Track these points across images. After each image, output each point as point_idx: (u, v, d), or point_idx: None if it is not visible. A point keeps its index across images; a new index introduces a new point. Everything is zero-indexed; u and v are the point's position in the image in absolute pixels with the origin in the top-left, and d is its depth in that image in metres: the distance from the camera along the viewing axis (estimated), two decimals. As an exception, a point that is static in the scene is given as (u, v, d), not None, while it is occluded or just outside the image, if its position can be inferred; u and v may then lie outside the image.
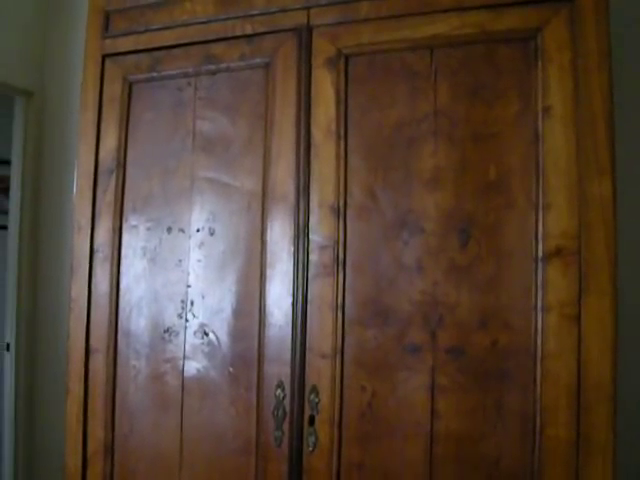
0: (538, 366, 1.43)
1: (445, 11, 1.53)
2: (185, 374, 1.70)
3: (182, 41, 1.76)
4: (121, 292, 1.79)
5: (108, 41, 1.85)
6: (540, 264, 1.44)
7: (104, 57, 1.85)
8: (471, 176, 1.50)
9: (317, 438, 1.56)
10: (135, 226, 1.78)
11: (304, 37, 1.64)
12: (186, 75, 1.77)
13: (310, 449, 1.57)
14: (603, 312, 1.39)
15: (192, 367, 1.70)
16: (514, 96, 1.49)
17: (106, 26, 1.87)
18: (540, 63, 1.46)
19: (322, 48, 1.62)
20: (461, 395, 1.48)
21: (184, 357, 1.71)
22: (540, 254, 1.44)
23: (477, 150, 1.50)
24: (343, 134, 1.60)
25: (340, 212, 1.58)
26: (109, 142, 1.82)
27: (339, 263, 1.58)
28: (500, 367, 1.46)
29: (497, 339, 1.46)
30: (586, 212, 1.41)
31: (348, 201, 1.59)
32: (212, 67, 1.73)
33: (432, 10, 1.54)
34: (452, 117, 1.52)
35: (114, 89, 1.83)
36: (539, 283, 1.44)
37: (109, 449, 1.76)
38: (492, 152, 1.49)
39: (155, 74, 1.79)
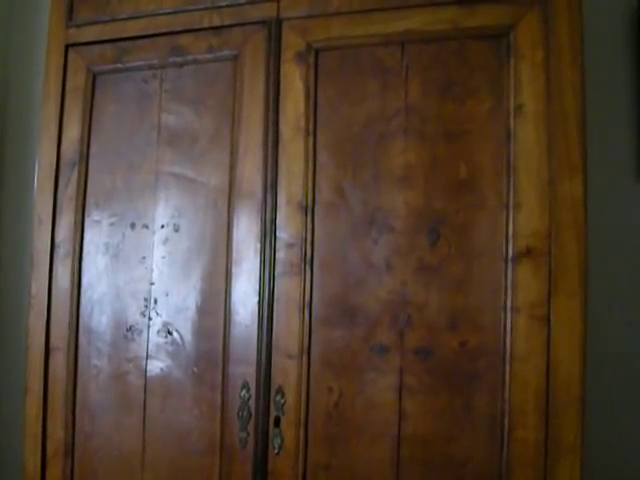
0: (507, 367, 1.41)
1: (417, 6, 1.50)
2: (148, 373, 1.66)
3: (148, 32, 1.71)
4: (83, 289, 1.73)
5: (72, 30, 1.79)
6: (510, 264, 1.42)
7: (67, 47, 1.79)
8: (441, 174, 1.48)
9: (283, 439, 1.53)
10: (98, 221, 1.73)
11: (273, 30, 1.60)
12: (152, 67, 1.71)
13: (275, 451, 1.53)
14: (572, 313, 1.37)
15: (155, 366, 1.65)
16: (486, 93, 1.47)
17: (70, 15, 1.81)
18: (512, 60, 1.44)
19: (292, 42, 1.59)
20: (429, 396, 1.46)
21: (147, 356, 1.66)
22: (510, 254, 1.42)
23: (448, 148, 1.48)
24: (312, 130, 1.56)
25: (308, 209, 1.55)
26: (72, 134, 1.76)
27: (306, 261, 1.55)
28: (469, 368, 1.44)
29: (466, 340, 1.44)
30: (557, 212, 1.39)
31: (316, 198, 1.56)
32: (179, 59, 1.69)
33: (404, 5, 1.51)
34: (423, 114, 1.50)
35: (77, 80, 1.77)
36: (509, 283, 1.42)
37: (69, 449, 1.71)
38: (463, 150, 1.47)
39: (120, 65, 1.74)
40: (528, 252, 1.41)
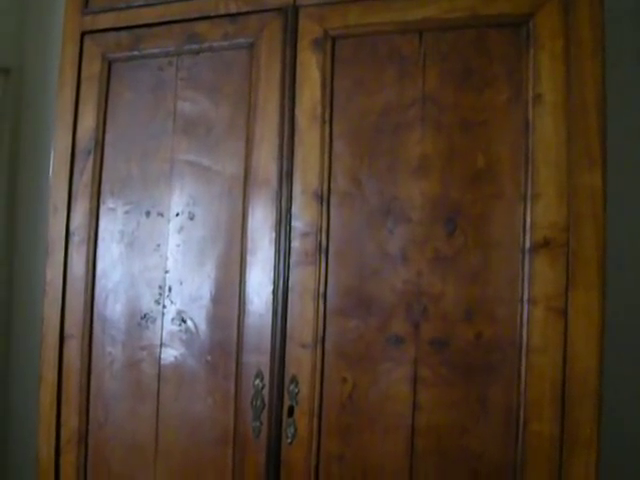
0: (523, 360, 1.40)
1: (435, -7, 1.50)
2: (162, 362, 1.66)
3: (164, 19, 1.70)
4: (97, 277, 1.73)
5: (87, 18, 1.79)
6: (527, 256, 1.40)
7: (83, 34, 1.78)
8: (459, 164, 1.46)
9: (296, 429, 1.53)
10: (113, 209, 1.73)
11: (290, 17, 1.59)
12: (168, 54, 1.71)
13: (289, 440, 1.53)
14: (590, 306, 1.36)
15: (169, 355, 1.65)
16: (504, 83, 1.45)
17: (86, 2, 1.80)
18: (532, 50, 1.42)
19: (308, 29, 1.57)
20: (444, 388, 1.45)
21: (161, 344, 1.66)
22: (528, 245, 1.40)
23: (465, 138, 1.46)
24: (328, 119, 1.55)
25: (324, 199, 1.54)
26: (87, 122, 1.76)
27: (322, 251, 1.54)
28: (484, 360, 1.43)
29: (482, 332, 1.43)
30: (575, 204, 1.37)
31: (332, 188, 1.54)
32: (194, 46, 1.68)
33: (422, -8, 1.51)
34: (440, 103, 1.48)
35: (93, 68, 1.76)
36: (526, 275, 1.40)
37: (83, 438, 1.72)
38: (481, 140, 1.45)
39: (136, 53, 1.73)
40: (546, 244, 1.40)
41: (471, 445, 1.43)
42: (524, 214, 1.42)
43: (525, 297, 1.41)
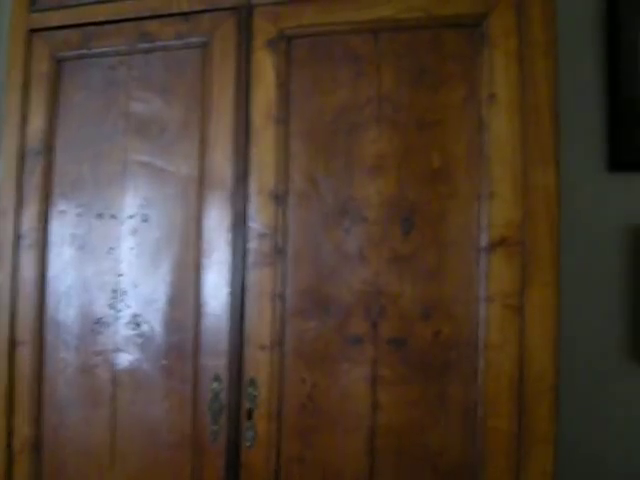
0: (481, 357, 1.41)
1: (390, -7, 1.50)
2: (117, 366, 1.62)
3: (115, 17, 1.66)
4: (49, 281, 1.69)
5: (35, 15, 1.74)
6: (483, 254, 1.41)
7: (31, 32, 1.73)
8: (415, 164, 1.47)
9: (255, 432, 1.51)
10: (63, 212, 1.69)
11: (244, 16, 1.57)
12: (119, 53, 1.67)
13: (248, 444, 1.51)
14: (546, 303, 1.37)
15: (124, 359, 1.62)
16: (459, 83, 1.46)
17: (33, -1, 1.77)
18: (486, 49, 1.43)
19: (263, 28, 1.56)
20: (403, 387, 1.45)
21: (116, 349, 1.63)
22: (484, 244, 1.41)
23: (421, 137, 1.47)
24: (284, 119, 1.54)
25: (280, 199, 1.53)
26: (36, 123, 1.71)
27: (279, 252, 1.52)
28: (443, 358, 1.43)
29: (440, 330, 1.44)
30: (530, 202, 1.39)
31: (289, 188, 1.53)
32: (147, 45, 1.64)
33: (377, -8, 1.51)
34: (396, 103, 1.48)
35: (42, 67, 1.72)
36: (482, 273, 1.41)
37: (37, 445, 1.67)
38: (436, 139, 1.46)
39: (86, 51, 1.69)
40: (502, 242, 1.41)
41: (431, 443, 1.44)
42: (480, 213, 1.43)
43: (482, 295, 1.42)
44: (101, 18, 1.68)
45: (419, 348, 1.46)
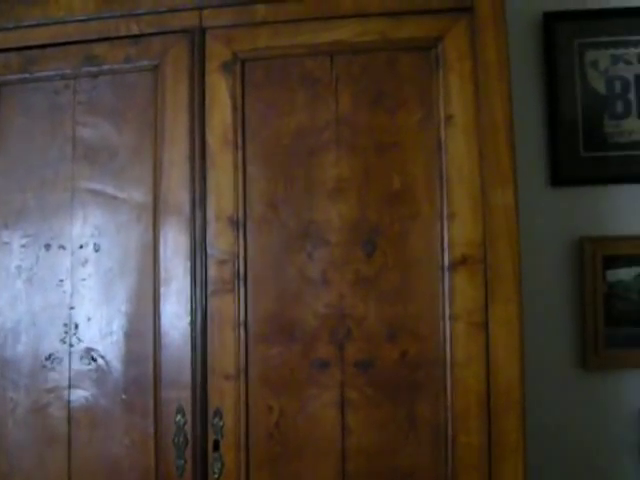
0: (448, 375, 1.43)
1: (346, 17, 1.50)
2: (71, 404, 1.55)
3: (58, 40, 1.60)
4: (-7, 317, 1.61)
5: (-29, 37, 1.66)
6: (447, 273, 1.44)
7: (-34, 55, 1.65)
8: (375, 186, 1.48)
9: (223, 464, 1.47)
10: (7, 243, 1.60)
11: (197, 39, 1.55)
12: (64, 77, 1.60)
13: (216, 476, 1.47)
14: (509, 319, 1.41)
15: (79, 396, 1.55)
16: (416, 105, 1.48)
17: (-32, 21, 1.68)
18: (441, 72, 1.47)
19: (216, 51, 1.53)
20: (372, 409, 1.45)
21: (70, 386, 1.55)
22: (446, 263, 1.44)
23: (380, 159, 1.48)
24: (241, 142, 1.52)
25: (239, 224, 1.50)
26: (-27, 150, 1.63)
27: (240, 278, 1.50)
28: (410, 378, 1.45)
29: (406, 350, 1.45)
30: (490, 221, 1.42)
31: (247, 213, 1.51)
32: (93, 69, 1.59)
33: (332, 15, 1.50)
34: (354, 126, 1.49)
35: (-21, 91, 1.64)
36: (446, 292, 1.44)
37: (-15, 493, 1.58)
38: (395, 161, 1.48)
39: (27, 75, 1.61)
40: (464, 260, 1.44)
41: (402, 464, 1.44)
42: (441, 232, 1.45)
43: (447, 313, 1.44)
44: (43, 41, 1.61)
45: (386, 369, 1.46)
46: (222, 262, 1.51)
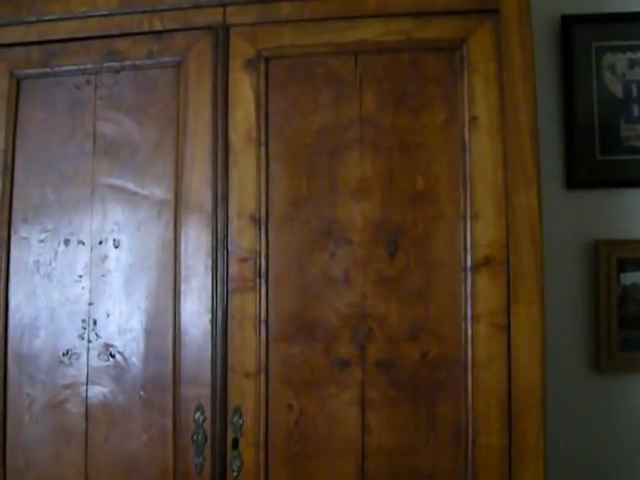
0: (469, 375, 1.43)
1: (370, 16, 1.50)
2: (89, 400, 1.54)
3: (80, 34, 1.59)
4: (11, 312, 1.59)
5: (-8, 31, 1.65)
6: (469, 274, 1.44)
7: (-14, 48, 1.64)
8: (398, 186, 1.48)
9: (242, 462, 1.47)
10: (26, 238, 1.59)
11: (220, 36, 1.54)
12: (85, 72, 1.60)
13: (235, 474, 1.47)
14: (532, 320, 1.41)
15: (97, 392, 1.54)
16: (440, 105, 1.48)
17: (-12, 13, 1.66)
18: (466, 73, 1.47)
19: (240, 49, 1.53)
20: (392, 408, 1.45)
21: (87, 382, 1.55)
22: (469, 264, 1.44)
23: (404, 159, 1.48)
24: (264, 140, 1.51)
25: (261, 222, 1.50)
26: (-6, 144, 1.62)
27: (261, 276, 1.50)
28: (431, 378, 1.45)
29: (428, 350, 1.45)
30: (513, 222, 1.43)
31: (270, 210, 1.51)
32: (115, 64, 1.59)
33: (357, 15, 1.50)
34: (378, 125, 1.49)
35: (0, 85, 1.62)
36: (468, 293, 1.44)
37: (0, 489, 1.57)
38: (419, 162, 1.48)
39: (49, 70, 1.61)
40: (486, 262, 1.44)
41: (422, 464, 1.45)
42: (464, 233, 1.46)
43: (468, 314, 1.44)
44: (64, 35, 1.60)
45: (407, 369, 1.46)
46: (244, 260, 1.51)
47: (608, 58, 1.89)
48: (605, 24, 1.89)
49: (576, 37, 1.89)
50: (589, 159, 1.88)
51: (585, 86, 1.89)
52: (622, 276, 1.86)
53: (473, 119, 1.46)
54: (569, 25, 1.90)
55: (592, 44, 1.89)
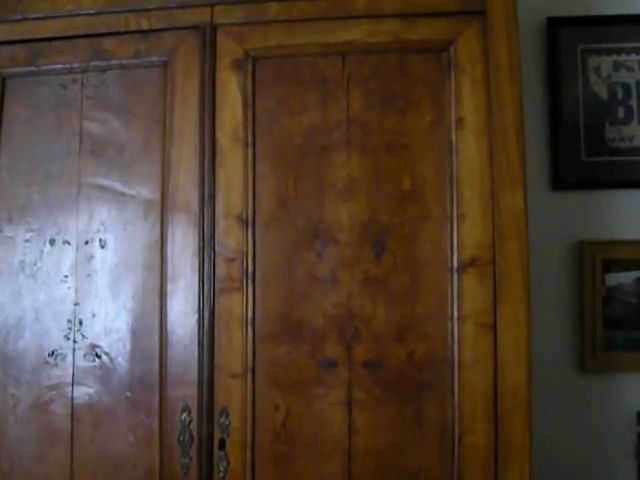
0: (455, 375, 1.44)
1: (358, 17, 1.50)
2: (75, 401, 1.53)
3: (67, 33, 1.58)
4: (-5, 312, 1.59)
5: (-23, 29, 1.64)
6: (455, 274, 1.45)
7: (-29, 47, 1.63)
8: (385, 186, 1.48)
9: (228, 463, 1.46)
10: (11, 237, 1.58)
11: (208, 36, 1.54)
12: (71, 71, 1.59)
13: (221, 475, 1.46)
14: (517, 320, 1.42)
15: (83, 393, 1.53)
16: (427, 106, 1.49)
17: (-27, 12, 1.65)
18: (453, 74, 1.48)
19: (228, 49, 1.53)
20: (379, 409, 1.46)
21: (73, 382, 1.54)
22: (455, 264, 1.45)
23: (391, 160, 1.49)
24: (251, 140, 1.51)
25: (248, 222, 1.50)
26: (-22, 143, 1.61)
27: (248, 276, 1.49)
28: (418, 378, 1.45)
29: (414, 350, 1.45)
30: (499, 223, 1.43)
31: (257, 211, 1.51)
32: (102, 63, 1.58)
33: (344, 15, 1.51)
34: (365, 126, 1.50)
35: (-16, 84, 1.62)
36: (455, 293, 1.45)
37: (-15, 492, 1.56)
38: (406, 162, 1.48)
39: (34, 68, 1.60)
40: (473, 262, 1.45)
41: (408, 464, 1.45)
42: (451, 234, 1.46)
43: (455, 314, 1.45)
44: (50, 34, 1.59)
45: (394, 369, 1.46)
46: (230, 260, 1.50)
47: (594, 60, 1.91)
48: (591, 26, 1.90)
49: (562, 39, 1.90)
50: (574, 160, 1.89)
51: (571, 88, 1.90)
52: (607, 277, 1.87)
53: (460, 120, 1.47)
54: (555, 27, 1.91)
55: (578, 46, 1.91)
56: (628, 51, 1.90)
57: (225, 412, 1.48)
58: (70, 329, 1.55)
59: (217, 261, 1.51)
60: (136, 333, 1.53)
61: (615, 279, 1.87)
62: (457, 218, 1.45)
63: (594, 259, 1.87)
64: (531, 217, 1.80)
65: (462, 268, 1.44)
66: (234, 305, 1.50)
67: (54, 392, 1.55)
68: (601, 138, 1.90)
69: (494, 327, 1.43)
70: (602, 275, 1.87)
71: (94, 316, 1.55)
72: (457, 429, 1.43)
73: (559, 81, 1.90)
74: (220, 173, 1.52)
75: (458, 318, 1.44)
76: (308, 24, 1.52)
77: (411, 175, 1.48)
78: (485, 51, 1.47)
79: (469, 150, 1.46)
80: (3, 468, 1.56)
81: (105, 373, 1.54)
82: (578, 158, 1.89)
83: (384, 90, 1.50)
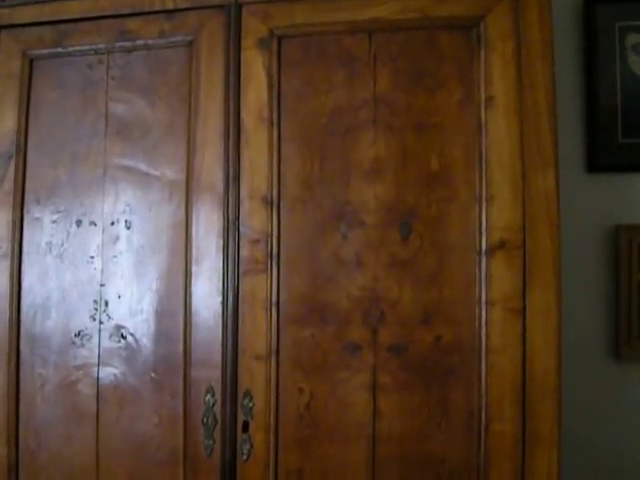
0: (483, 361, 1.40)
1: (385, -6, 1.48)
2: (100, 381, 1.55)
3: (92, 14, 1.58)
4: (23, 293, 1.59)
5: (5, 11, 1.63)
6: (484, 257, 1.41)
7: (0, 29, 1.63)
8: (412, 167, 1.45)
9: (252, 445, 1.46)
10: (38, 219, 1.59)
11: (233, 15, 1.52)
12: (97, 52, 1.59)
13: (244, 457, 1.46)
14: (547, 305, 1.38)
15: (108, 373, 1.54)
16: (456, 85, 1.45)
17: (1, -7, 1.66)
18: (483, 52, 1.43)
19: (253, 28, 1.51)
20: (404, 393, 1.43)
21: (99, 363, 1.55)
22: (484, 247, 1.41)
23: (418, 140, 1.45)
24: (276, 120, 1.49)
25: (273, 203, 1.48)
26: (7, 125, 1.61)
27: (272, 258, 1.48)
28: (444, 363, 1.42)
29: (441, 335, 1.42)
30: (530, 205, 1.39)
31: (282, 192, 1.49)
32: (127, 44, 1.57)
33: (371, -8, 1.48)
34: (392, 105, 1.46)
35: (12, 65, 1.62)
36: (483, 277, 1.41)
37: (13, 468, 1.57)
38: (434, 142, 1.45)
39: (61, 49, 1.60)
40: (502, 245, 1.41)
41: (433, 450, 1.42)
42: (479, 216, 1.42)
43: (483, 298, 1.41)
44: (77, 15, 1.59)
45: (420, 354, 1.44)
46: (255, 241, 1.49)
47: (632, 38, 1.84)
48: (629, 3, 1.83)
49: (599, 16, 1.83)
50: (611, 142, 1.83)
51: (608, 67, 1.83)
52: (644, 262, 1.82)
53: (489, 99, 1.42)
54: (592, 4, 1.84)
55: (615, 24, 1.84)
56: (669, 28, 1.83)
57: (249, 394, 1.47)
58: (96, 310, 1.56)
59: (241, 242, 1.50)
60: (161, 314, 1.53)
61: (652, 265, 1.82)
62: (486, 200, 1.41)
63: (630, 243, 1.81)
64: (565, 200, 1.76)
65: (491, 251, 1.41)
66: (258, 287, 1.48)
67: (80, 372, 1.56)
68: (639, 119, 1.84)
69: (523, 312, 1.39)
70: (638, 260, 1.81)
71: (119, 297, 1.56)
72: (484, 416, 1.40)
73: (596, 60, 1.84)
74: (245, 154, 1.50)
75: (486, 302, 1.40)
76: (334, 2, 1.49)
77: (439, 155, 1.45)
78: (516, 28, 1.42)
79: (499, 130, 1.41)
80: (30, 447, 1.58)
81: (130, 354, 1.54)
82: (615, 139, 1.83)
83: (412, 68, 1.46)
